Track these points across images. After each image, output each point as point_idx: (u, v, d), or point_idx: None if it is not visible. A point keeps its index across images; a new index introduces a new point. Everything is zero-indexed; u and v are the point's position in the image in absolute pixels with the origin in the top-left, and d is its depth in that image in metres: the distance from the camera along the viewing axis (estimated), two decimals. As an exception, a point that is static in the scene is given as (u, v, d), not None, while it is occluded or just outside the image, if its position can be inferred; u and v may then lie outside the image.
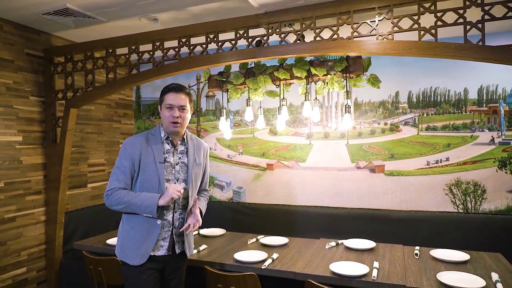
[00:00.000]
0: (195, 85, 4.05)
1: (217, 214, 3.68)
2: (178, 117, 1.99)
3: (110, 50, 2.98)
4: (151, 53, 2.82)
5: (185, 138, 2.12)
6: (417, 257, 2.40)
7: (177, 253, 2.04)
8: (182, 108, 2.01)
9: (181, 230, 2.01)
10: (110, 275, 2.50)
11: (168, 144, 2.06)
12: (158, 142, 2.03)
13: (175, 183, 2.00)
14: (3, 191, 2.88)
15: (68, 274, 3.20)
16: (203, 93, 4.03)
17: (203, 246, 2.70)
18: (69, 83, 3.14)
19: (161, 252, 1.99)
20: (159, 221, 1.95)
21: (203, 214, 2.16)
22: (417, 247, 2.58)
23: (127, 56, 2.92)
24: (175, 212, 2.03)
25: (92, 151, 3.70)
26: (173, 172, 2.03)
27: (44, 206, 3.21)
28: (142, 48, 2.89)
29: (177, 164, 2.05)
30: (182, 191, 1.91)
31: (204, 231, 3.17)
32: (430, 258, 2.40)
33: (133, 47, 2.89)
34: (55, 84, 3.21)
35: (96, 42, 3.03)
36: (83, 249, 2.77)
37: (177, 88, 2.02)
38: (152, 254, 1.96)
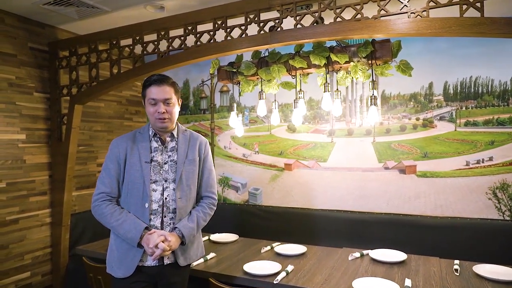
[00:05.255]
0: (208, 80, 3.82)
1: (231, 217, 3.43)
2: (164, 112, 1.76)
3: (114, 42, 2.78)
4: (155, 43, 2.61)
5: (174, 133, 1.88)
6: (457, 274, 2.05)
7: (165, 264, 1.78)
8: (167, 102, 1.78)
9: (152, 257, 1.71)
10: (110, 284, 2.30)
11: (157, 141, 1.84)
12: (145, 140, 1.83)
13: (162, 184, 1.78)
14: (5, 191, 2.74)
15: (74, 280, 3.03)
16: (216, 88, 3.79)
17: (212, 254, 2.45)
18: (73, 78, 2.98)
19: (150, 262, 1.75)
20: None
21: (186, 237, 1.77)
22: (457, 261, 2.22)
23: (131, 47, 2.72)
24: (165, 217, 1.79)
25: (101, 150, 3.54)
26: (161, 172, 1.80)
27: (50, 208, 3.06)
28: (147, 38, 2.67)
29: (165, 163, 1.82)
30: (160, 248, 1.66)
31: (215, 237, 2.92)
32: (473, 275, 2.03)
33: (137, 38, 2.68)
34: (60, 79, 3.05)
35: (100, 33, 2.84)
36: (85, 255, 2.59)
37: (159, 80, 1.78)
38: (140, 264, 1.74)
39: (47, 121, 3.06)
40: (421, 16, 1.88)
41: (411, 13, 1.90)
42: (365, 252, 2.44)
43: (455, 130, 2.87)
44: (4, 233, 2.73)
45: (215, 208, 1.98)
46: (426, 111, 2.96)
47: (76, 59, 2.96)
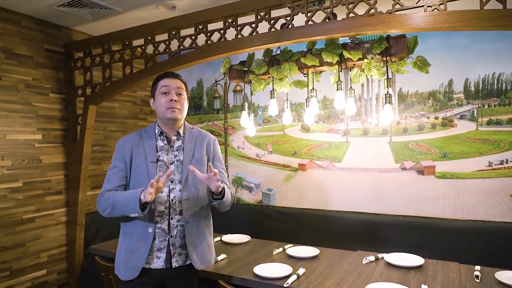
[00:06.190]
0: (222, 79, 3.80)
1: (244, 218, 3.40)
2: (176, 100, 1.74)
3: (127, 42, 2.80)
4: (167, 43, 2.60)
5: (180, 132, 1.84)
6: (478, 280, 1.94)
7: (173, 267, 1.74)
8: (179, 93, 1.78)
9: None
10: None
11: (163, 140, 1.81)
12: (151, 139, 1.80)
13: (169, 186, 1.75)
14: (21, 191, 2.80)
15: (89, 278, 3.07)
16: (230, 87, 3.77)
17: (222, 256, 2.42)
18: (88, 79, 3.01)
19: (158, 264, 1.73)
20: (150, 229, 1.70)
21: (225, 192, 1.73)
22: (477, 267, 2.11)
23: (143, 47, 2.72)
24: (171, 219, 1.75)
25: (116, 150, 3.57)
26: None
27: (65, 207, 3.11)
28: (158, 38, 2.67)
29: (172, 163, 1.79)
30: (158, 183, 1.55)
31: (226, 238, 2.89)
32: (495, 282, 1.92)
33: (149, 38, 2.68)
34: (75, 80, 3.10)
35: (112, 34, 2.87)
36: (98, 254, 2.61)
37: (172, 74, 1.81)
38: (147, 267, 1.71)
39: (63, 121, 3.11)
40: (438, 10, 1.79)
41: (428, 6, 1.81)
42: (380, 255, 2.35)
43: (477, 129, 2.74)
44: (21, 231, 2.79)
45: (233, 196, 1.89)
46: (446, 110, 2.84)
47: (90, 60, 2.99)
